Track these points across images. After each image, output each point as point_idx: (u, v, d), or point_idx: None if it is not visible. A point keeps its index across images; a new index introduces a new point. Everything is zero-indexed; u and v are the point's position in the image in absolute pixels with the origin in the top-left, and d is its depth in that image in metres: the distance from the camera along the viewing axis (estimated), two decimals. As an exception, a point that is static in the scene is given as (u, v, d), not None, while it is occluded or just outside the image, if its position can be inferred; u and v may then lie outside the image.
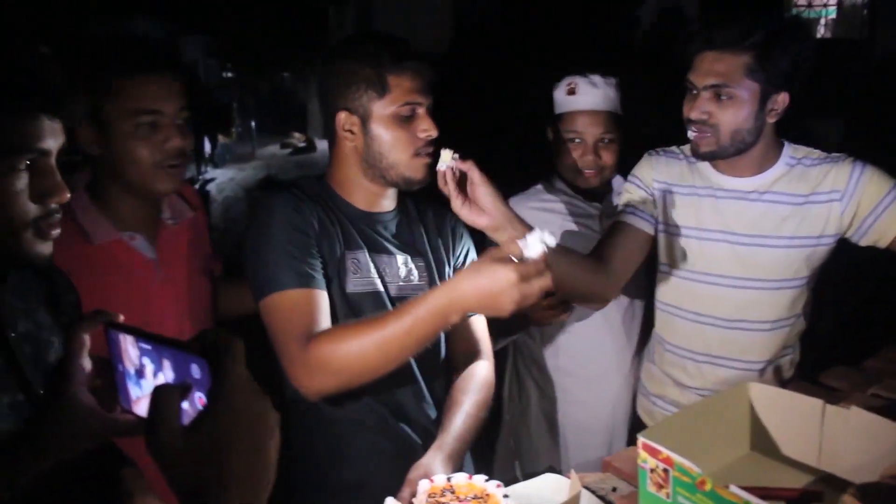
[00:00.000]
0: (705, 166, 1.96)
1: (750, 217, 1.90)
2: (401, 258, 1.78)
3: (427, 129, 1.69)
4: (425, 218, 1.89)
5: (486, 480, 1.49)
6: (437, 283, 1.79)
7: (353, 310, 1.69)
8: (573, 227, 2.26)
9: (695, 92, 1.83)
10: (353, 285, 1.70)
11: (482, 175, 1.67)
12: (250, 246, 1.67)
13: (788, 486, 1.36)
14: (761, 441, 1.46)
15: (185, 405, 0.78)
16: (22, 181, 1.07)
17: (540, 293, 1.45)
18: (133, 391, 0.92)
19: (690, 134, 1.86)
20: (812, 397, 1.43)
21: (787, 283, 1.91)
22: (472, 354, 1.85)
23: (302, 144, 17.32)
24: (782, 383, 1.98)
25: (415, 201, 1.89)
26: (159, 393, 0.77)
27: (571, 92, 2.22)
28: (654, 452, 1.25)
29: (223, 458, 0.74)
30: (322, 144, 16.74)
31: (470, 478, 1.50)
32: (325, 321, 1.59)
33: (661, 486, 1.25)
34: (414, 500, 1.46)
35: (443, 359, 1.85)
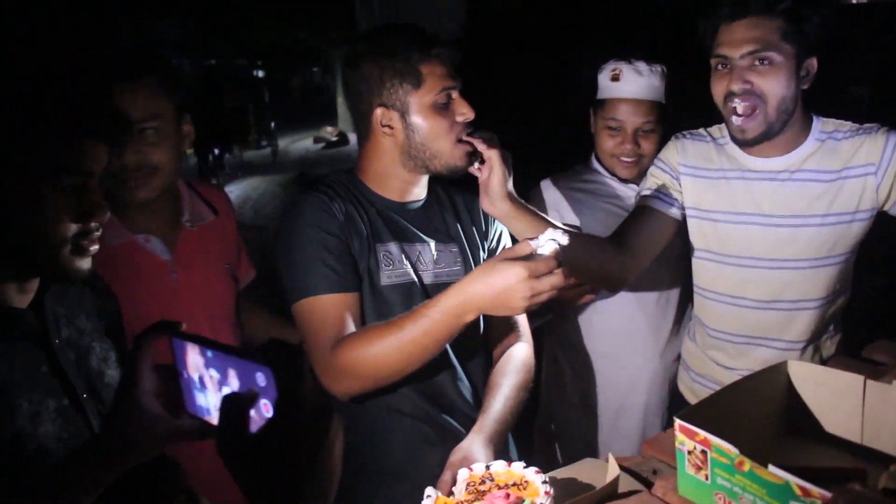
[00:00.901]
0: (733, 148, 1.92)
1: (782, 197, 1.86)
2: (434, 245, 1.79)
3: (465, 112, 1.71)
4: (457, 204, 1.90)
5: (525, 467, 1.49)
6: (473, 267, 1.81)
7: (387, 302, 1.71)
8: (609, 208, 2.25)
9: (725, 67, 1.78)
10: (387, 278, 1.72)
11: (500, 164, 1.68)
12: (281, 250, 1.69)
13: (829, 464, 1.34)
14: (801, 419, 1.44)
15: (251, 412, 0.81)
16: (65, 201, 1.12)
17: (552, 291, 1.46)
18: (198, 398, 0.95)
19: (734, 118, 1.78)
20: (852, 373, 1.40)
21: (824, 261, 1.86)
22: (511, 337, 1.87)
23: (335, 138, 17.42)
24: (823, 361, 1.95)
25: (445, 188, 1.90)
26: (230, 401, 0.81)
27: (615, 78, 2.19)
28: (691, 434, 1.25)
29: (293, 463, 0.78)
30: (354, 137, 16.84)
31: (509, 465, 1.51)
32: (352, 325, 1.62)
33: (699, 468, 1.25)
34: (454, 488, 1.48)
35: (481, 344, 1.86)
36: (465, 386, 1.81)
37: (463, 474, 1.49)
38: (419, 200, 1.83)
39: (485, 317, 1.86)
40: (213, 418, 0.91)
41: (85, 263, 1.17)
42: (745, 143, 1.83)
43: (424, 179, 1.82)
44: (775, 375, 1.46)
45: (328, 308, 1.62)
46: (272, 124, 16.99)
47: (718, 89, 1.80)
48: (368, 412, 1.75)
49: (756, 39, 1.72)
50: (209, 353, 0.90)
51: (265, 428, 0.78)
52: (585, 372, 2.32)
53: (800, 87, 1.78)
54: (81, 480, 1.00)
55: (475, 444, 1.63)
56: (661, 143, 2.15)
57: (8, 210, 1.10)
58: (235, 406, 0.81)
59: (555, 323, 2.36)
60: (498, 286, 1.46)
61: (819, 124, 1.86)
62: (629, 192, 2.24)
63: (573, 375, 2.35)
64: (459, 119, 1.70)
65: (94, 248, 1.18)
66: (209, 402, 0.93)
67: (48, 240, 1.12)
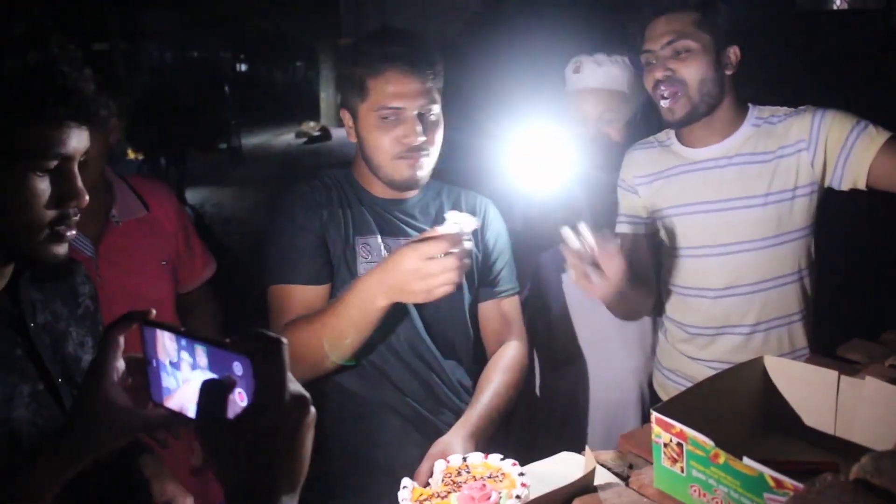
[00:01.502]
0: (677, 146, 2.05)
1: (723, 183, 1.96)
2: None
3: (406, 136, 1.72)
4: (455, 201, 1.92)
5: (502, 459, 1.50)
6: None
7: None
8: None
9: (653, 62, 1.93)
10: (364, 269, 1.74)
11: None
12: (264, 238, 1.78)
13: (803, 458, 1.36)
14: (776, 414, 1.46)
15: (227, 400, 0.82)
16: (43, 185, 1.10)
17: (445, 273, 1.48)
18: (168, 384, 0.94)
19: (662, 102, 1.93)
20: (826, 368, 1.42)
21: (773, 240, 1.93)
22: (504, 335, 1.89)
23: (317, 133, 17.35)
24: (796, 350, 2.00)
25: (447, 185, 1.94)
26: (208, 387, 0.82)
27: (577, 70, 2.22)
28: (667, 427, 1.25)
29: (269, 450, 0.79)
30: (336, 133, 16.78)
31: (486, 457, 1.52)
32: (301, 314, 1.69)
33: (675, 461, 1.26)
34: (430, 480, 1.48)
35: (468, 343, 1.88)
36: (453, 387, 1.82)
37: (440, 466, 1.50)
38: (410, 198, 1.85)
39: (480, 314, 1.91)
40: (184, 408, 0.91)
41: (62, 249, 1.15)
42: (675, 125, 1.98)
43: None
44: (751, 371, 1.47)
45: (289, 296, 1.71)
46: (232, 122, 14.78)
47: (648, 81, 1.96)
48: (358, 407, 1.76)
49: (673, 31, 1.90)
50: (182, 341, 0.90)
51: (240, 416, 0.79)
52: (562, 369, 2.33)
53: (723, 73, 1.92)
54: (47, 469, 0.99)
55: (456, 438, 1.64)
56: (630, 132, 2.20)
57: None
58: (211, 393, 0.81)
59: (534, 319, 2.36)
60: (392, 269, 1.51)
61: (755, 112, 1.99)
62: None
63: (551, 371, 2.35)
64: (404, 142, 1.72)
65: (72, 233, 1.16)
66: (179, 390, 0.92)
67: (26, 225, 1.10)
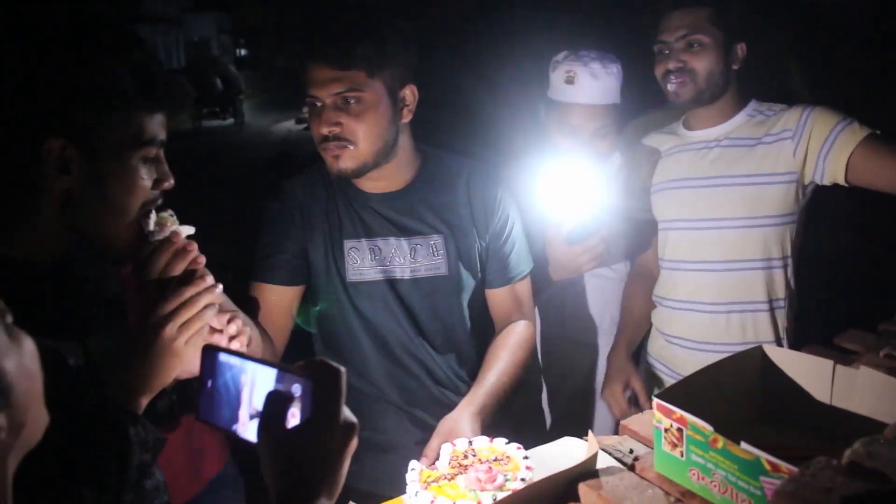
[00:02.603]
0: (680, 128, 2.19)
1: (705, 162, 2.08)
2: (411, 240, 1.79)
3: (320, 125, 1.67)
4: (454, 185, 1.86)
5: (507, 443, 1.54)
6: (462, 258, 1.82)
7: (357, 298, 1.77)
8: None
9: (666, 52, 2.04)
10: (352, 275, 1.76)
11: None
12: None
13: (799, 443, 1.39)
14: (773, 402, 1.50)
15: (284, 416, 0.91)
16: (150, 169, 1.20)
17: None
18: (223, 405, 1.00)
19: (670, 86, 2.04)
20: (822, 358, 1.46)
21: (741, 221, 2.02)
22: (515, 315, 1.91)
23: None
24: (779, 336, 2.09)
25: (447, 165, 1.87)
26: (274, 397, 0.91)
27: (570, 81, 2.09)
28: (668, 413, 1.29)
29: (318, 464, 0.89)
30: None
31: (491, 441, 1.55)
32: (271, 311, 1.75)
33: (675, 445, 1.30)
34: (437, 463, 1.52)
35: (469, 335, 1.89)
36: (446, 382, 1.84)
37: (446, 449, 1.54)
38: (399, 190, 1.81)
39: (490, 299, 1.92)
40: (240, 429, 0.98)
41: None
42: (680, 106, 2.10)
43: (393, 169, 1.78)
44: (750, 359, 1.51)
45: (261, 294, 1.76)
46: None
47: (659, 69, 2.07)
48: (355, 396, 1.80)
49: (687, 25, 2.01)
50: (251, 363, 0.97)
51: (299, 430, 0.89)
52: (561, 357, 2.36)
53: (730, 67, 2.04)
54: None
55: (464, 416, 1.67)
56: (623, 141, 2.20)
57: (101, 182, 1.15)
58: (276, 402, 0.90)
59: (548, 307, 2.38)
60: None
61: (755, 104, 2.10)
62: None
63: (544, 364, 2.38)
64: (319, 130, 1.68)
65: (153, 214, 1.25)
66: (237, 412, 0.98)
67: (137, 208, 1.19)
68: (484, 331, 1.93)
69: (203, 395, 1.01)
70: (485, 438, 1.56)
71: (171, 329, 1.16)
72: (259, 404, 0.93)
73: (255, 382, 0.95)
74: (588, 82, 2.07)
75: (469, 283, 1.86)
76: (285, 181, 1.83)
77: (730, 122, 2.09)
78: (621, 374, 2.19)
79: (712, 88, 2.03)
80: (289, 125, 17.68)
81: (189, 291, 1.18)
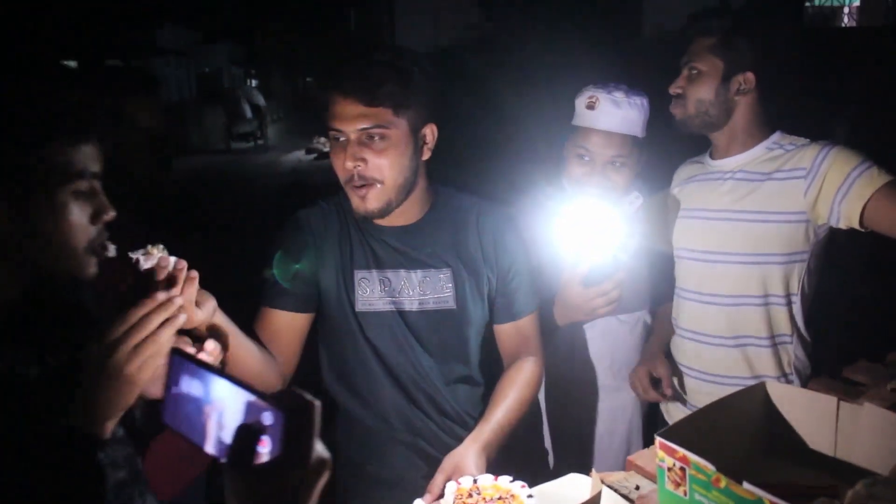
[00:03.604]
0: (705, 157, 2.20)
1: (717, 194, 2.08)
2: (420, 273, 1.81)
3: (345, 161, 1.69)
4: (464, 222, 1.86)
5: (511, 481, 1.54)
6: (470, 293, 1.83)
7: (365, 328, 1.79)
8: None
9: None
10: (362, 305, 1.78)
11: None
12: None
13: (803, 482, 1.39)
14: (778, 438, 1.49)
15: (252, 446, 0.87)
16: (81, 204, 1.15)
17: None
18: (188, 413, 0.98)
19: (671, 106, 2.12)
20: (826, 394, 1.46)
21: (743, 257, 2.02)
22: (521, 352, 1.90)
23: (326, 149, 17.40)
24: (784, 377, 2.07)
25: (458, 203, 1.88)
26: (243, 432, 0.87)
27: (591, 106, 2.08)
28: (671, 451, 1.29)
29: (286, 500, 0.86)
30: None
31: (496, 478, 1.55)
32: (277, 337, 1.76)
33: (678, 484, 1.30)
34: (441, 501, 1.52)
35: (479, 367, 1.90)
36: (455, 417, 1.85)
37: (451, 487, 1.54)
38: (411, 224, 1.83)
39: (497, 334, 1.92)
40: (204, 443, 0.95)
41: (95, 267, 1.19)
42: (679, 128, 2.12)
43: (405, 205, 1.78)
44: (754, 396, 1.51)
45: (268, 319, 1.77)
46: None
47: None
48: (362, 429, 1.81)
49: (691, 52, 2.07)
50: (219, 379, 0.95)
51: (269, 466, 0.85)
52: (566, 395, 2.35)
53: (728, 96, 2.04)
54: None
55: (469, 453, 1.67)
56: (644, 176, 2.20)
57: (30, 221, 1.11)
58: (245, 438, 0.87)
59: (555, 346, 2.37)
60: None
61: (777, 136, 2.08)
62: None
63: (552, 397, 2.37)
64: (348, 165, 1.69)
65: (109, 250, 1.21)
66: (202, 425, 0.96)
67: (73, 247, 1.15)
68: (492, 367, 1.93)
69: (169, 399, 0.99)
70: (489, 476, 1.56)
71: (120, 355, 1.09)
72: (226, 422, 0.91)
73: (224, 400, 0.93)
74: (608, 108, 2.07)
75: (477, 317, 1.86)
76: (300, 211, 1.85)
77: (748, 153, 2.08)
78: (649, 360, 2.21)
79: (701, 116, 2.06)
80: (298, 154, 17.81)
81: (139, 312, 1.12)
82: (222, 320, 1.47)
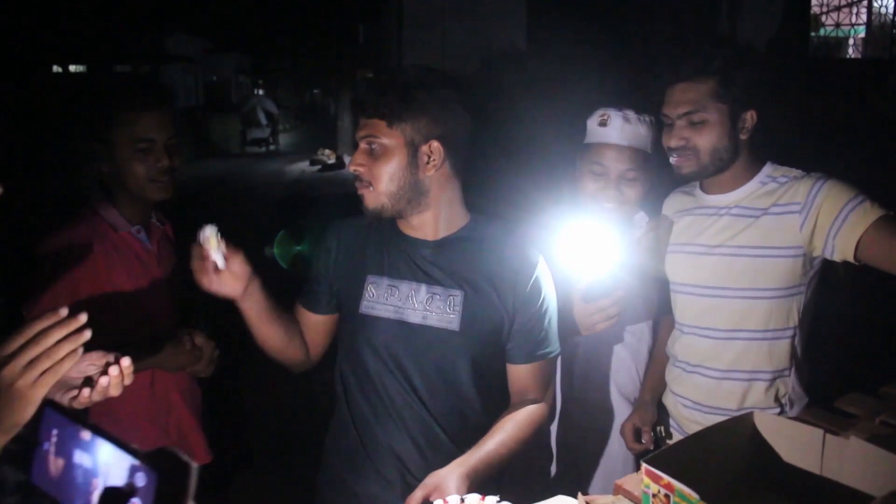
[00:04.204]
0: (696, 190, 2.16)
1: (712, 230, 2.06)
2: (431, 287, 1.80)
3: (350, 164, 1.85)
4: (490, 251, 1.84)
5: (498, 502, 1.54)
6: (479, 321, 1.80)
7: (367, 330, 1.83)
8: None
9: (670, 123, 2.03)
10: (364, 307, 1.83)
11: None
12: None
13: (788, 512, 1.40)
14: (763, 469, 1.50)
15: None
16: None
17: None
18: (55, 471, 0.94)
19: (672, 160, 2.04)
20: (812, 426, 1.46)
21: (740, 292, 2.02)
22: (532, 394, 1.87)
23: (331, 161, 17.44)
24: (781, 409, 2.07)
25: (491, 231, 1.87)
26: (112, 494, 0.85)
27: (603, 123, 2.18)
28: (656, 478, 1.30)
29: None
30: (351, 161, 16.84)
31: (483, 499, 1.55)
32: (306, 331, 1.97)
33: (662, 511, 1.31)
34: (428, 519, 1.52)
35: (474, 402, 1.86)
36: (434, 442, 1.83)
37: (437, 506, 1.54)
38: (436, 240, 1.84)
39: (511, 373, 1.88)
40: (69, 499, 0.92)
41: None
42: (682, 178, 2.09)
43: (426, 218, 1.82)
44: (741, 425, 1.52)
45: (297, 312, 1.99)
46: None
47: (664, 141, 2.06)
48: (348, 434, 1.88)
49: (689, 101, 1.98)
50: (91, 438, 0.91)
51: None
52: (564, 414, 2.36)
53: (738, 138, 2.00)
54: None
55: (453, 475, 1.64)
56: (655, 195, 2.23)
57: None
58: (111, 498, 0.85)
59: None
60: None
61: (769, 169, 2.06)
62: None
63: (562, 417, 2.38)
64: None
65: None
66: (75, 486, 0.92)
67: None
68: (497, 408, 1.89)
69: (38, 456, 0.95)
70: (476, 496, 1.56)
71: (10, 371, 1.02)
72: (97, 483, 0.87)
73: (96, 459, 0.89)
74: (619, 124, 2.17)
75: (480, 348, 1.82)
76: (337, 220, 1.98)
77: (741, 189, 2.04)
78: (636, 412, 2.26)
79: (717, 163, 2.00)
80: (303, 166, 17.86)
81: (38, 326, 1.06)
82: (256, 294, 1.79)
